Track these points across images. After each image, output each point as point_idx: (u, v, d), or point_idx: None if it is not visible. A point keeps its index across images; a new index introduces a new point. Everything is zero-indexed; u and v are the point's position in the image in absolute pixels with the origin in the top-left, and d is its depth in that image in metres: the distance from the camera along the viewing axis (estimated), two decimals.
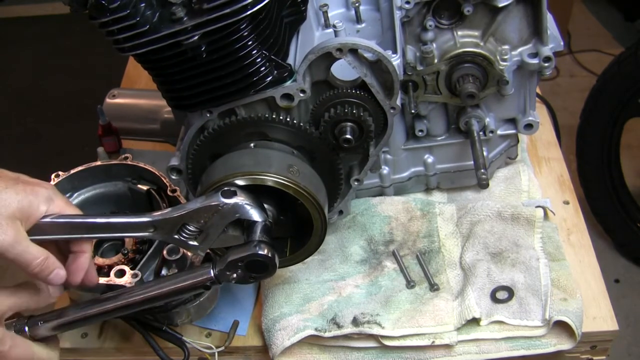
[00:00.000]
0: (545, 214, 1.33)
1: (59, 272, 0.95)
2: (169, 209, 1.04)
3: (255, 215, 1.03)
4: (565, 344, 1.18)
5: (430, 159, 1.37)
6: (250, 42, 1.04)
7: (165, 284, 1.03)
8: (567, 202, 1.41)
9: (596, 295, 1.25)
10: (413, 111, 1.25)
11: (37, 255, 0.92)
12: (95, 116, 1.48)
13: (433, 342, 1.17)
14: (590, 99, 2.46)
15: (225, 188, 1.03)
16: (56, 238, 0.97)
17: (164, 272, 1.11)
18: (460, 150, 1.36)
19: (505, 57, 1.22)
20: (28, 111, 3.46)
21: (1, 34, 4.03)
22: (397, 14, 1.20)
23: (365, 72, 1.11)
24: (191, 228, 1.03)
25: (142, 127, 1.53)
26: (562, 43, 1.23)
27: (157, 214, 1.03)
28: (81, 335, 1.28)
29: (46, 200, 0.94)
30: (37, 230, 0.94)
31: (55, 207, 0.95)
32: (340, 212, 1.30)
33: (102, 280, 1.09)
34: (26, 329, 0.99)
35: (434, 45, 1.22)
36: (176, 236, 1.03)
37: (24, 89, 3.67)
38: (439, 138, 1.35)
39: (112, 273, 1.11)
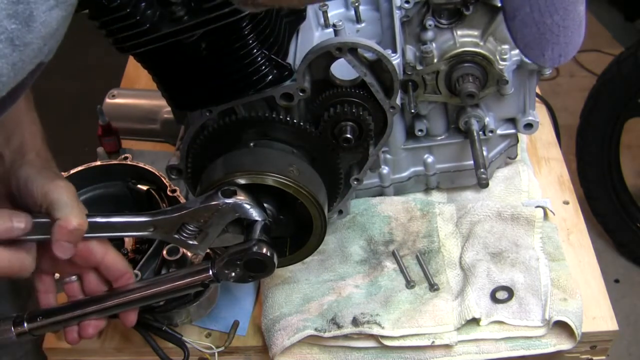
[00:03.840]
0: (545, 214, 1.33)
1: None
2: (169, 209, 1.04)
3: (254, 214, 1.02)
4: (565, 344, 1.18)
5: (430, 158, 1.37)
6: (250, 42, 1.04)
7: (164, 282, 1.03)
8: (567, 202, 1.41)
9: (596, 295, 1.25)
10: (413, 111, 1.25)
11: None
12: (95, 116, 1.48)
13: (433, 342, 1.17)
14: (590, 99, 2.45)
15: (225, 187, 1.03)
16: None
17: (163, 272, 1.11)
18: (460, 150, 1.35)
19: (505, 56, 1.22)
20: None
21: None
22: (397, 14, 1.20)
23: (365, 71, 1.11)
24: (191, 227, 1.02)
25: (142, 127, 1.53)
26: None
27: (156, 213, 1.03)
28: None
29: None
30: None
31: None
32: (340, 211, 1.30)
33: None
34: (25, 324, 0.99)
35: (434, 44, 1.22)
36: (176, 236, 1.03)
37: None
38: (439, 138, 1.35)
39: None
